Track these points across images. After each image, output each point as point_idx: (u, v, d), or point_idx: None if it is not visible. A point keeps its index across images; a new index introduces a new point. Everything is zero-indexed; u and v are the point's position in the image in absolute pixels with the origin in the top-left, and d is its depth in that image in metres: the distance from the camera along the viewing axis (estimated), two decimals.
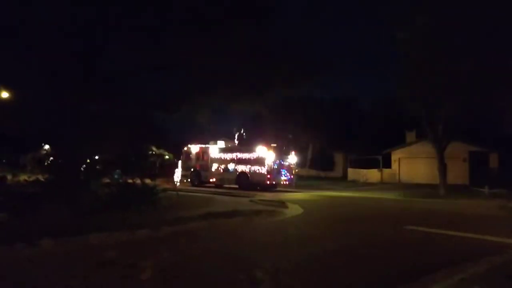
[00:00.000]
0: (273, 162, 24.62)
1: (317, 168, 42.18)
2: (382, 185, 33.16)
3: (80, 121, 14.47)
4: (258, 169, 24.65)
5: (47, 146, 26.47)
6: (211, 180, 26.96)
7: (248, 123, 43.75)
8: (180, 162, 28.74)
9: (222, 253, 7.46)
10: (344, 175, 39.98)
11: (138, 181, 12.98)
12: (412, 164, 35.60)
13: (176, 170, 27.95)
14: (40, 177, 14.15)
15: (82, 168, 14.01)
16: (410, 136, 36.71)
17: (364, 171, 37.18)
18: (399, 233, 10.07)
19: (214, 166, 26.82)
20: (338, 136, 40.85)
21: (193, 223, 10.37)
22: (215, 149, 27.08)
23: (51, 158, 18.05)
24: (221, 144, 27.73)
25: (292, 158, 26.60)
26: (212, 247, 8.10)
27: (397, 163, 36.91)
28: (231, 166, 25.77)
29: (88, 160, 14.74)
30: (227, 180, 26.17)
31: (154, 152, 34.98)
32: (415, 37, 20.97)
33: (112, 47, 15.18)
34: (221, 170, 26.41)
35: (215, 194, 20.81)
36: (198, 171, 27.64)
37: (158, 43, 15.20)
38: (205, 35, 15.17)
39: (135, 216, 10.79)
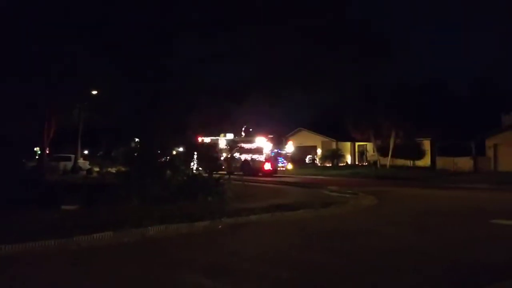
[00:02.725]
0: (270, 151, 28.00)
1: (402, 157, 39.72)
2: (475, 174, 30.20)
3: (156, 115, 14.93)
4: (258, 157, 27.89)
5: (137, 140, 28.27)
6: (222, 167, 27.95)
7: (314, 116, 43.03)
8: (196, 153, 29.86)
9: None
10: (433, 164, 37.19)
11: (205, 172, 13.02)
12: (510, 150, 31.91)
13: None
14: (121, 169, 14.87)
15: (159, 160, 14.42)
16: (508, 119, 32.93)
17: (455, 159, 34.18)
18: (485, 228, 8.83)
19: (223, 156, 28.81)
20: (424, 122, 37.98)
21: (255, 215, 10.04)
22: (223, 141, 29.73)
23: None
24: (229, 136, 30.26)
25: (289, 148, 30.37)
26: (274, 240, 7.70)
27: (492, 150, 33.38)
28: (236, 155, 28.40)
29: (162, 152, 15.09)
30: (234, 168, 27.62)
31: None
32: None
33: (182, 42, 15.44)
34: (229, 159, 28.32)
35: (278, 184, 20.30)
36: (183, 160, 28.73)
37: (228, 31, 15.12)
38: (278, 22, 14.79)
39: (200, 207, 10.76)
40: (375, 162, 39.43)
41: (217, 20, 14.55)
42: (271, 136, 29.12)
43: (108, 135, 41.63)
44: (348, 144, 46.73)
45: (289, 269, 5.76)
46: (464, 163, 33.83)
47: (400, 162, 39.26)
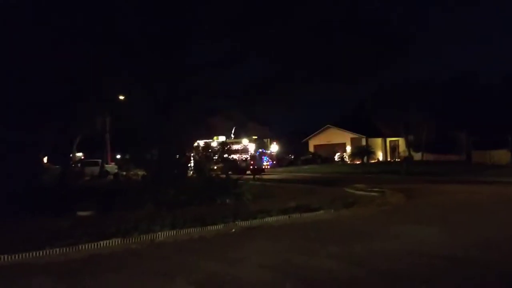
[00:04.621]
0: (255, 151, 30.61)
1: (435, 152, 38.24)
2: None
3: (173, 120, 14.80)
4: (244, 157, 30.23)
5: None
6: (214, 168, 28.25)
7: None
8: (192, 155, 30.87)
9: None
10: (468, 158, 35.56)
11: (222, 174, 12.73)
12: None
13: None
14: (139, 173, 14.82)
15: (175, 164, 14.26)
16: None
17: (491, 152, 32.49)
18: None
19: (215, 157, 29.23)
20: (458, 116, 36.44)
21: (271, 217, 9.63)
22: (215, 143, 30.93)
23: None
24: (221, 138, 32.07)
25: (274, 148, 33.63)
26: (291, 244, 7.26)
27: None
28: (226, 156, 29.57)
29: (178, 155, 14.94)
30: (223, 168, 27.73)
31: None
32: None
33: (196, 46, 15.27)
34: (220, 160, 28.94)
35: (301, 183, 19.71)
36: (205, 162, 29.53)
37: (243, 31, 14.81)
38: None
39: (216, 210, 10.44)
40: (407, 158, 38.15)
41: (233, 19, 14.28)
42: (255, 137, 31.95)
43: (132, 140, 42.19)
44: (379, 140, 45.43)
45: (295, 279, 5.32)
46: (501, 156, 32.09)
47: (434, 157, 37.80)
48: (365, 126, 43.27)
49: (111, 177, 24.35)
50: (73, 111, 16.16)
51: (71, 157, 24.10)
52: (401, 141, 44.23)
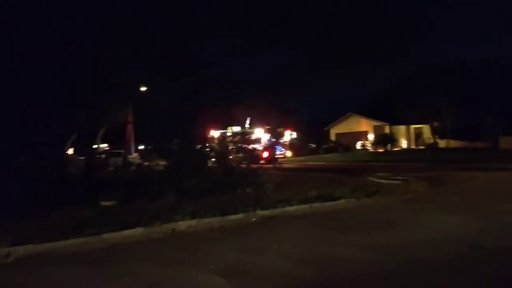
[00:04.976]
0: (268, 140, 31.24)
1: (462, 139, 37.32)
2: None
3: (195, 110, 14.86)
4: (258, 147, 30.67)
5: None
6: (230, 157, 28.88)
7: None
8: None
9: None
10: (495, 145, 34.59)
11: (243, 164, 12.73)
12: None
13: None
14: (161, 163, 14.97)
15: (196, 154, 14.35)
16: None
17: None
18: None
19: (231, 146, 29.84)
20: (485, 101, 35.40)
21: (291, 206, 9.58)
22: (230, 133, 31.69)
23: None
24: (235, 128, 32.58)
25: (287, 137, 34.18)
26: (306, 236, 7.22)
27: None
28: (240, 145, 29.96)
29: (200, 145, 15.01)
30: (239, 157, 28.33)
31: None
32: None
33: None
34: (235, 149, 29.32)
35: (323, 172, 19.53)
36: (225, 152, 30.25)
37: (264, 19, 14.69)
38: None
39: (237, 199, 10.45)
40: (431, 145, 37.39)
41: (255, 7, 14.18)
42: (269, 127, 32.43)
43: (155, 131, 42.66)
44: (402, 127, 44.62)
45: (315, 268, 5.28)
46: None
47: (459, 144, 36.93)
48: (388, 113, 42.51)
49: (134, 167, 24.67)
50: (96, 103, 16.40)
51: (95, 148, 24.52)
52: (425, 128, 43.36)
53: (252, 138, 31.52)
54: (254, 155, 29.90)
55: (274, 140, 31.94)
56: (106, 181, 15.18)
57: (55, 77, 12.90)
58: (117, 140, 36.47)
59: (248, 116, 33.04)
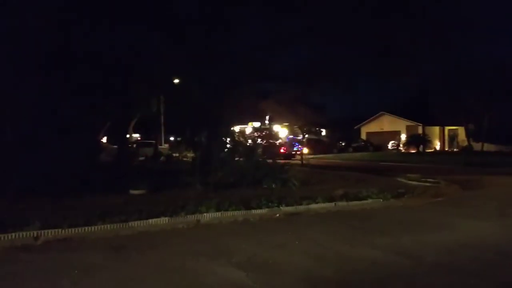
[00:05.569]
0: (286, 137, 32.27)
1: (496, 142, 35.96)
2: None
3: (224, 103, 14.93)
4: (276, 142, 31.10)
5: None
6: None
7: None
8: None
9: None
10: None
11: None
12: None
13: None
14: (189, 155, 15.17)
15: (223, 146, 14.45)
16: None
17: None
18: None
19: (249, 141, 29.20)
20: None
21: (316, 204, 9.53)
22: (250, 129, 32.41)
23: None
24: (256, 124, 33.43)
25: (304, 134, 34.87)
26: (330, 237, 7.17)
27: None
28: (259, 141, 30.18)
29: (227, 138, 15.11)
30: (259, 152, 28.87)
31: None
32: None
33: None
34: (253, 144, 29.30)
35: (349, 171, 19.17)
36: (253, 146, 30.77)
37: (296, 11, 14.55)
38: None
39: (262, 194, 10.45)
40: (465, 147, 36.25)
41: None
42: (287, 124, 33.34)
43: (185, 122, 43.38)
44: (436, 128, 43.42)
45: (336, 267, 5.24)
46: None
47: (495, 147, 35.63)
48: (421, 113, 41.41)
49: (164, 158, 25.12)
50: (129, 94, 16.75)
51: (127, 138, 25.09)
52: (460, 130, 42.04)
53: (271, 134, 32.02)
54: (271, 151, 30.69)
55: (291, 137, 32.67)
56: (136, 170, 15.55)
57: (92, 65, 13.23)
58: (148, 130, 37.22)
59: (276, 112, 33.14)
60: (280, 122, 33.38)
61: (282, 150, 30.52)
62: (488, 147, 35.66)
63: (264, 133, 32.85)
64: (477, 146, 35.97)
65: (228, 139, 15.27)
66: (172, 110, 25.36)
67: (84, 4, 12.35)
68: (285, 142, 31.64)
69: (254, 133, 32.69)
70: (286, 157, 29.25)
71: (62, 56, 11.82)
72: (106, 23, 13.35)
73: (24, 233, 6.52)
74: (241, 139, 30.13)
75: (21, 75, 11.46)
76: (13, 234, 6.44)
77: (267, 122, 35.51)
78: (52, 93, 12.00)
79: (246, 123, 34.03)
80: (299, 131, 34.31)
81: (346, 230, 7.46)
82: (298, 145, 32.22)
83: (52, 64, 11.68)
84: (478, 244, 6.34)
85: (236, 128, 32.78)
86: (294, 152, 31.46)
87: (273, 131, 32.96)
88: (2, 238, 6.33)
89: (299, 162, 22.97)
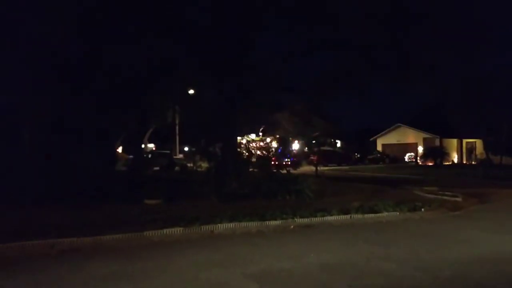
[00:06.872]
0: (277, 148, 31.52)
1: None
2: None
3: (239, 114, 14.95)
4: (267, 154, 30.42)
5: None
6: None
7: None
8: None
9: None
10: None
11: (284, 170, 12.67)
12: None
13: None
14: (203, 165, 15.20)
15: (238, 157, 14.45)
16: None
17: None
18: None
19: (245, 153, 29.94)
20: None
21: (331, 216, 9.42)
22: (244, 141, 31.47)
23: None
24: (252, 136, 32.66)
25: (295, 146, 35.09)
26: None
27: None
28: (253, 152, 30.04)
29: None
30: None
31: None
32: None
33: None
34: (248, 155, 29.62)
35: (365, 183, 18.92)
36: (267, 158, 30.71)
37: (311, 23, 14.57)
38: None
39: (277, 205, 10.41)
40: (484, 160, 35.55)
41: (301, 10, 14.08)
42: (278, 136, 33.21)
43: (199, 133, 43.74)
44: (454, 141, 42.75)
45: (350, 280, 5.15)
46: None
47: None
48: (439, 125, 40.85)
49: (178, 168, 25.26)
50: (145, 105, 16.93)
51: (143, 148, 25.34)
52: (478, 143, 41.34)
53: (263, 146, 33.24)
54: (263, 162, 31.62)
55: (282, 148, 33.28)
56: (152, 180, 15.62)
57: (111, 77, 13.43)
58: (163, 140, 37.51)
59: (295, 122, 33.38)
60: (271, 135, 34.60)
61: (273, 161, 31.25)
62: (506, 160, 34.94)
63: (259, 145, 33.48)
64: (495, 159, 35.27)
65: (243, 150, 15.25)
66: (187, 120, 25.59)
67: (105, 17, 12.59)
68: (277, 153, 32.71)
69: (250, 144, 33.36)
70: (276, 168, 30.12)
71: (80, 68, 12.02)
72: (126, 36, 13.58)
73: (41, 242, 6.59)
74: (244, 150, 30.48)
75: (40, 85, 11.69)
76: (30, 242, 6.52)
77: (260, 134, 36.71)
78: (70, 104, 12.19)
79: (258, 134, 34.57)
80: (291, 143, 35.16)
81: (361, 242, 7.35)
82: (289, 156, 33.41)
83: (71, 75, 11.88)
84: (496, 258, 6.19)
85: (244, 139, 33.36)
86: (284, 163, 32.04)
87: (265, 143, 33.77)
88: (19, 247, 6.42)
89: (314, 173, 22.81)
